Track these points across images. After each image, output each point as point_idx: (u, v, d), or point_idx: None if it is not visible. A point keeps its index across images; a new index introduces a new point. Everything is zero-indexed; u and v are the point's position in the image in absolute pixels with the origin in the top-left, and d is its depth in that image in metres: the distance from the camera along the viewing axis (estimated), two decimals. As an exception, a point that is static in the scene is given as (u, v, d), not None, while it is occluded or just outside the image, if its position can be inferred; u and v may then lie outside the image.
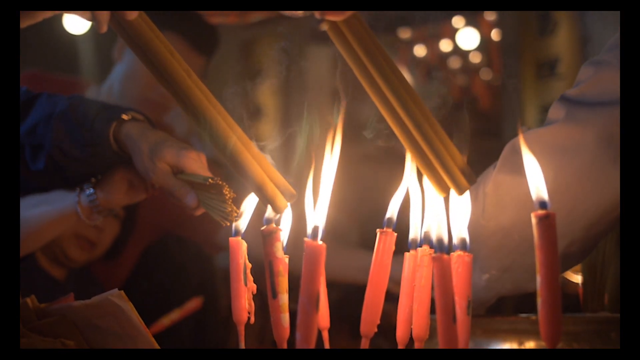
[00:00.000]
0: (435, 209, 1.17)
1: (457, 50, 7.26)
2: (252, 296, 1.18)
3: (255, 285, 1.18)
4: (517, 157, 1.44)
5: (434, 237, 1.13)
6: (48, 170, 1.63)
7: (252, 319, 1.18)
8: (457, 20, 6.79)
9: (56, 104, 1.65)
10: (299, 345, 0.94)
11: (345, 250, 2.78)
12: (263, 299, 1.13)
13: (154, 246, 2.79)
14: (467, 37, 6.90)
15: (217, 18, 0.90)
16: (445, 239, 1.07)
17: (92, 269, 2.50)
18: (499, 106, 6.26)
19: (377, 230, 1.16)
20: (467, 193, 1.17)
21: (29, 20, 1.11)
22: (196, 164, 1.52)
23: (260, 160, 1.20)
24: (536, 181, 0.98)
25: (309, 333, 0.94)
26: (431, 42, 7.26)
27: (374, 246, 1.16)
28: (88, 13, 1.13)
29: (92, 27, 2.44)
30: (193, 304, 2.62)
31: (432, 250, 1.15)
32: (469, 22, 6.78)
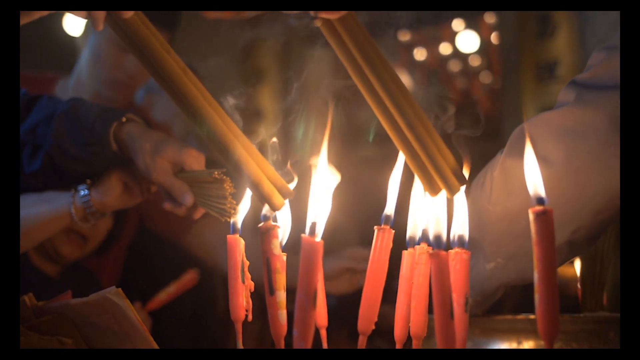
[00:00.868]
0: (433, 206, 1.17)
1: (457, 53, 7.27)
2: (249, 294, 1.18)
3: (252, 283, 1.18)
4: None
5: (431, 234, 1.13)
6: (44, 170, 1.65)
7: (250, 317, 1.18)
8: (457, 24, 6.80)
9: (57, 105, 1.68)
10: (296, 342, 0.94)
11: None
12: (263, 300, 1.13)
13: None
14: (467, 40, 6.91)
15: (213, 14, 0.90)
16: (443, 236, 1.06)
17: (87, 263, 2.49)
18: (499, 109, 6.26)
19: (375, 227, 1.16)
20: (462, 190, 1.17)
21: (26, 18, 1.11)
22: (196, 162, 1.56)
23: (257, 158, 1.20)
24: (534, 177, 0.98)
25: (306, 330, 0.94)
26: (431, 45, 7.27)
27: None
28: (84, 11, 1.13)
29: (88, 25, 2.42)
30: (189, 276, 2.61)
31: (430, 248, 1.16)
32: (469, 25, 6.79)
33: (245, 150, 1.19)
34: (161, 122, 3.15)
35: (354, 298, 1.20)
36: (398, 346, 1.19)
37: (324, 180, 1.11)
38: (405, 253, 1.19)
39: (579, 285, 1.79)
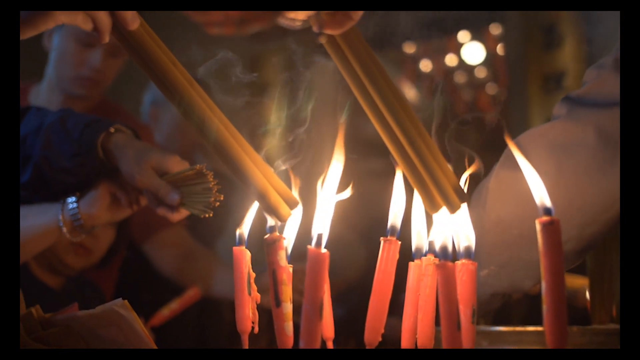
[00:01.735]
0: (439, 217, 1.17)
1: (462, 64, 7.28)
2: (255, 305, 1.18)
3: (259, 295, 1.18)
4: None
5: (437, 246, 1.13)
6: (33, 182, 1.66)
7: (257, 329, 1.18)
8: (463, 35, 6.80)
9: (45, 116, 1.70)
10: (303, 354, 0.93)
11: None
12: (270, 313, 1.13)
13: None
14: (473, 52, 6.91)
15: (214, 29, 0.90)
16: (450, 247, 1.06)
17: (90, 275, 2.49)
18: (505, 120, 6.25)
19: (381, 238, 1.16)
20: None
21: (31, 30, 1.12)
22: (179, 166, 1.59)
23: (263, 169, 1.20)
24: (539, 188, 0.98)
25: (312, 341, 0.93)
26: (437, 57, 7.27)
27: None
28: (90, 23, 1.13)
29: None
30: (192, 292, 2.61)
31: (437, 259, 1.15)
32: (475, 37, 6.79)
33: (251, 161, 1.19)
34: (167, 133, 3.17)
35: (361, 309, 1.19)
36: (405, 358, 1.18)
37: (331, 192, 1.11)
38: (411, 264, 1.19)
39: (587, 296, 1.79)
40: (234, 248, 1.15)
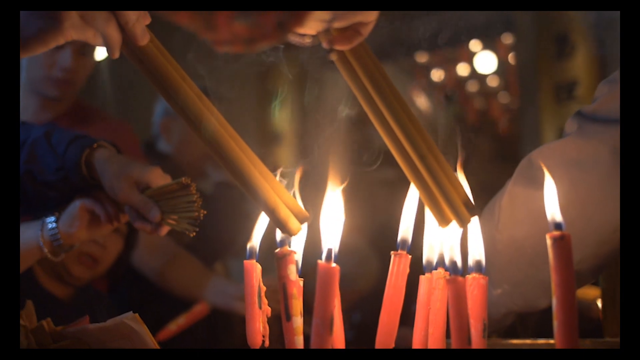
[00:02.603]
0: (448, 231, 1.16)
1: (474, 74, 7.28)
2: (266, 319, 1.17)
3: (269, 309, 1.18)
4: (533, 171, 1.44)
5: (447, 260, 1.13)
6: None
7: (267, 343, 1.18)
8: (475, 44, 6.80)
9: (30, 131, 1.71)
10: (313, 368, 0.93)
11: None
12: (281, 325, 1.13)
13: None
14: (485, 61, 6.92)
15: (223, 47, 0.90)
16: (460, 262, 1.06)
17: (98, 286, 2.50)
18: (517, 129, 6.24)
19: (392, 252, 1.16)
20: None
21: (41, 47, 1.12)
22: (162, 181, 1.60)
23: (273, 183, 1.20)
24: (552, 202, 0.98)
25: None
26: (448, 66, 7.28)
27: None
28: (100, 39, 1.14)
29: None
30: (200, 308, 2.60)
31: (447, 272, 1.15)
32: (486, 46, 6.80)
33: (261, 175, 1.19)
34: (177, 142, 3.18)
35: (371, 323, 1.19)
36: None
37: (338, 205, 1.11)
38: (422, 278, 1.19)
39: (599, 305, 1.78)
40: (245, 262, 1.15)
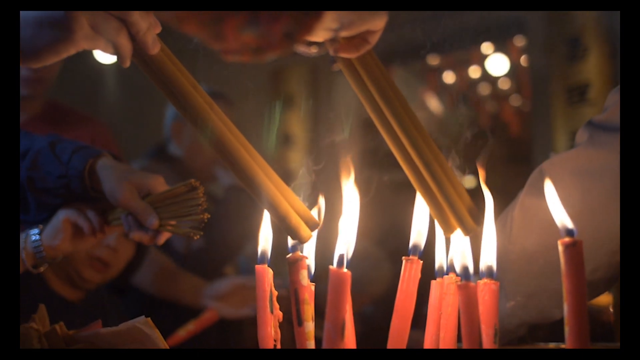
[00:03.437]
0: (458, 237, 1.16)
1: (486, 76, 7.26)
2: (278, 324, 1.18)
3: (281, 313, 1.18)
4: (544, 182, 1.44)
5: (458, 266, 1.13)
6: None
7: (279, 347, 1.18)
8: (486, 47, 6.79)
9: (33, 141, 1.71)
10: (325, 373, 0.94)
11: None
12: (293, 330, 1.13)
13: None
14: (496, 63, 6.90)
15: (231, 57, 0.91)
16: (471, 268, 1.06)
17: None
18: (529, 132, 6.22)
19: (403, 258, 1.16)
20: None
21: (53, 57, 1.13)
22: (163, 187, 1.60)
23: (283, 191, 1.20)
24: (560, 209, 0.98)
25: (334, 361, 0.94)
26: (460, 69, 7.27)
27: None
28: (111, 48, 1.15)
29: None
30: (209, 314, 2.60)
31: (459, 278, 1.15)
32: (498, 49, 6.78)
33: (272, 183, 1.20)
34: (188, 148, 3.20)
35: (382, 330, 1.20)
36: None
37: (352, 208, 1.12)
38: (433, 283, 1.19)
39: (611, 309, 1.77)
40: (257, 266, 1.16)
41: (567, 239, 0.93)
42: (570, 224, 0.95)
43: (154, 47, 1.17)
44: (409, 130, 1.18)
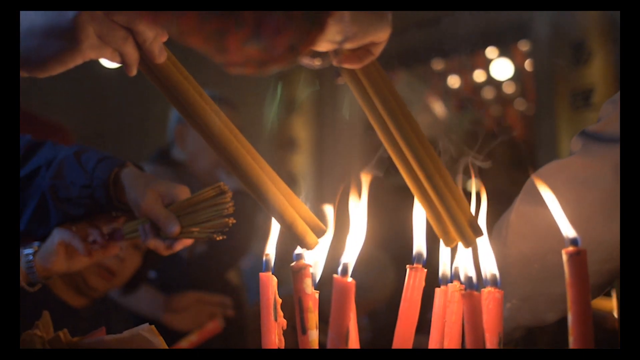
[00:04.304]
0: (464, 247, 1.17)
1: (491, 80, 7.27)
2: (282, 331, 1.18)
3: (285, 321, 1.18)
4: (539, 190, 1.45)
5: (462, 274, 1.13)
6: (36, 211, 1.66)
7: (283, 355, 1.18)
8: (491, 51, 6.79)
9: (60, 151, 1.72)
10: (329, 381, 0.94)
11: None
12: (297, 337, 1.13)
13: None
14: (501, 68, 6.91)
15: (235, 69, 0.91)
16: (475, 277, 1.06)
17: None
18: (533, 136, 6.22)
19: (407, 266, 1.16)
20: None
21: (60, 67, 1.13)
22: (187, 196, 1.59)
23: (289, 198, 1.20)
24: (563, 218, 0.98)
25: (338, 370, 0.93)
26: (465, 73, 7.27)
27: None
28: (117, 57, 1.15)
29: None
30: (212, 326, 2.60)
31: (463, 286, 1.15)
32: (503, 53, 6.78)
33: (278, 190, 1.20)
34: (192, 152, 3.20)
35: (387, 338, 1.19)
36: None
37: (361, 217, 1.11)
38: (437, 290, 1.19)
39: (615, 315, 1.77)
40: (261, 274, 1.16)
41: (571, 248, 0.93)
42: (573, 233, 0.95)
43: (161, 56, 1.18)
44: (411, 141, 1.18)
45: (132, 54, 1.15)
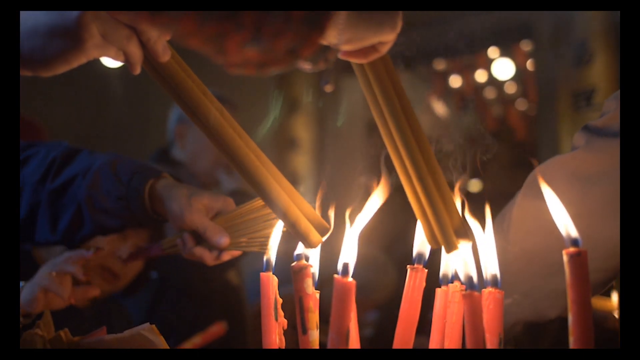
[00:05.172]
0: (464, 246, 1.16)
1: (492, 80, 7.27)
2: (282, 331, 1.18)
3: (286, 321, 1.18)
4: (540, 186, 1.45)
5: (462, 275, 1.13)
6: (72, 221, 1.66)
7: (283, 355, 1.18)
8: (493, 51, 6.79)
9: (96, 159, 1.71)
10: (329, 381, 0.94)
11: None
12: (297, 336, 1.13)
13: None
14: (503, 68, 6.91)
15: (235, 70, 0.91)
16: (475, 277, 1.06)
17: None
18: (534, 136, 6.22)
19: (408, 266, 1.16)
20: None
21: (64, 66, 1.13)
22: (232, 208, 1.57)
23: (293, 196, 1.21)
24: (564, 219, 0.98)
25: (338, 370, 0.93)
26: (466, 73, 7.27)
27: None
28: (121, 55, 1.15)
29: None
30: (216, 328, 2.60)
31: (464, 286, 1.15)
32: (504, 53, 6.79)
33: (281, 188, 1.20)
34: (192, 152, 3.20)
35: (388, 338, 1.19)
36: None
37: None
38: (438, 291, 1.19)
39: (616, 315, 1.77)
40: (261, 274, 1.16)
41: (572, 249, 0.93)
42: (575, 233, 0.95)
43: (165, 54, 1.18)
44: (408, 141, 1.18)
45: (136, 52, 1.15)
